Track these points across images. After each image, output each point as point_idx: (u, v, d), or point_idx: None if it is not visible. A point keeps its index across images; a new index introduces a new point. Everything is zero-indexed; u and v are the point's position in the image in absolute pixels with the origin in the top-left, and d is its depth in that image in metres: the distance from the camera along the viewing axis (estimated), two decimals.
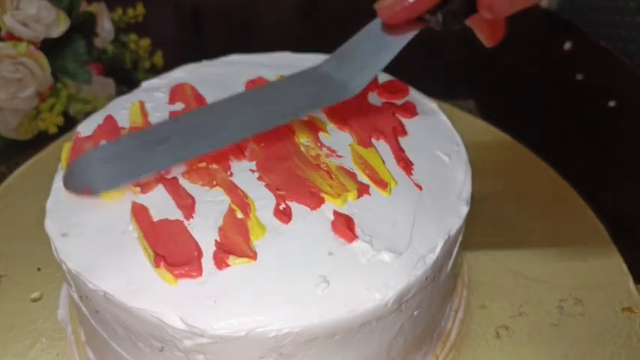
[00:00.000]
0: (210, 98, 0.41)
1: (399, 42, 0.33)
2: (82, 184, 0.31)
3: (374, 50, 0.34)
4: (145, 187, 0.34)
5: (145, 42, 0.68)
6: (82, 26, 0.61)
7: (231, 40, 0.80)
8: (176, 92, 0.42)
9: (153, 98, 0.42)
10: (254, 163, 0.36)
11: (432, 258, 0.32)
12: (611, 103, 0.68)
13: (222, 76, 0.44)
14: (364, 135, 0.38)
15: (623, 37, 0.79)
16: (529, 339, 0.41)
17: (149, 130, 0.36)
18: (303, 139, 0.38)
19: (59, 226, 0.33)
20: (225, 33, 0.84)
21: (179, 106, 0.41)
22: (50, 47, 0.58)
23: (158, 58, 0.69)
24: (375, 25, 0.34)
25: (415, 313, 0.33)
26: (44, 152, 0.54)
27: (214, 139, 0.33)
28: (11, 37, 0.55)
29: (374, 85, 0.43)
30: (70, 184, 0.31)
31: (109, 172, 0.31)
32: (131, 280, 0.30)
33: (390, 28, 0.33)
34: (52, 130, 0.58)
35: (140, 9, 0.68)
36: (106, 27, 0.64)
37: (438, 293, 0.35)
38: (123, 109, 0.41)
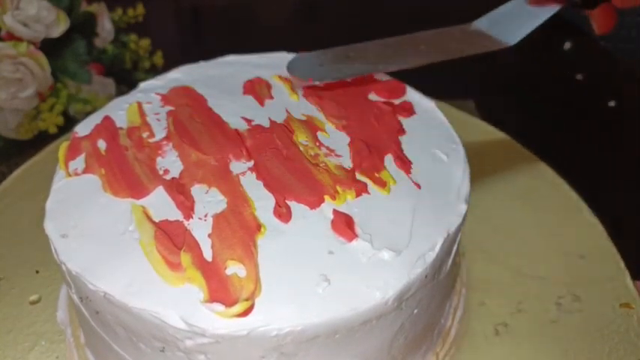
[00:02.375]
0: (207, 99, 0.41)
1: (545, 12, 0.40)
2: (306, 76, 0.42)
3: (522, 15, 0.40)
4: (144, 189, 0.35)
5: (145, 42, 0.68)
6: (82, 26, 0.61)
7: (231, 40, 0.80)
8: (169, 98, 0.42)
9: (150, 99, 0.42)
10: (252, 162, 0.36)
11: (431, 256, 0.32)
12: (611, 103, 0.69)
13: (219, 77, 0.44)
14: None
15: (623, 37, 0.79)
16: (528, 336, 0.41)
17: (343, 49, 0.44)
18: (301, 139, 0.38)
19: (59, 227, 0.33)
20: (225, 33, 0.84)
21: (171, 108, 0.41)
22: (50, 47, 0.58)
23: (158, 58, 0.69)
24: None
25: (415, 311, 0.33)
26: (41, 155, 0.54)
27: (396, 62, 0.41)
28: (11, 37, 0.55)
29: (372, 84, 0.43)
30: (295, 75, 0.42)
31: (325, 71, 0.42)
32: (131, 281, 0.30)
33: (534, 1, 0.39)
34: (52, 130, 0.58)
35: (140, 9, 0.68)
36: (106, 27, 0.64)
37: (437, 291, 0.35)
38: (120, 110, 0.41)
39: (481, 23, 0.42)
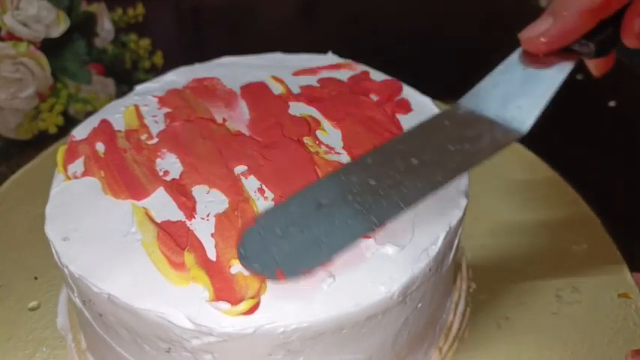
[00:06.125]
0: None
1: (552, 76, 0.30)
2: (271, 267, 0.28)
3: (523, 83, 0.31)
4: (144, 191, 0.35)
5: (145, 42, 0.68)
6: (82, 26, 0.61)
7: (231, 41, 0.80)
8: (166, 100, 0.42)
9: (147, 101, 0.42)
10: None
11: (434, 250, 0.32)
12: (611, 103, 0.69)
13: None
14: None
15: None
16: (529, 328, 0.41)
17: (310, 193, 0.30)
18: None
19: (60, 231, 0.33)
20: (225, 33, 0.84)
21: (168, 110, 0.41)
22: (50, 47, 0.58)
23: (158, 58, 0.69)
24: (514, 58, 0.32)
25: (419, 305, 0.33)
26: (36, 160, 0.53)
27: (392, 200, 0.28)
28: (11, 37, 0.55)
29: (370, 83, 0.43)
30: (253, 266, 0.28)
31: (294, 251, 0.28)
32: (135, 282, 0.30)
33: (532, 59, 0.31)
34: (52, 130, 0.58)
35: (140, 9, 0.68)
36: (106, 27, 0.64)
37: (440, 285, 0.35)
38: (117, 113, 0.41)
39: (471, 101, 0.31)
